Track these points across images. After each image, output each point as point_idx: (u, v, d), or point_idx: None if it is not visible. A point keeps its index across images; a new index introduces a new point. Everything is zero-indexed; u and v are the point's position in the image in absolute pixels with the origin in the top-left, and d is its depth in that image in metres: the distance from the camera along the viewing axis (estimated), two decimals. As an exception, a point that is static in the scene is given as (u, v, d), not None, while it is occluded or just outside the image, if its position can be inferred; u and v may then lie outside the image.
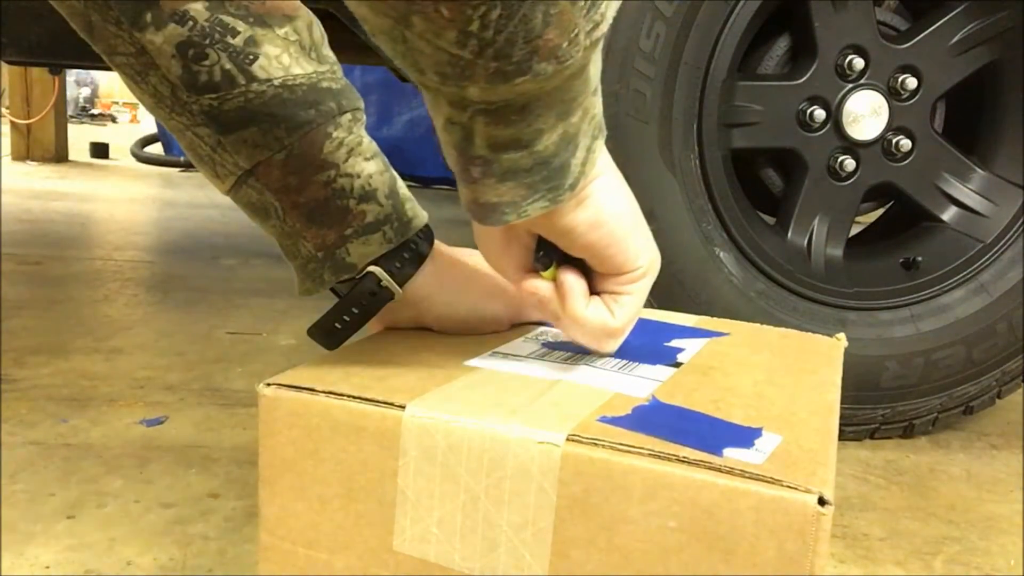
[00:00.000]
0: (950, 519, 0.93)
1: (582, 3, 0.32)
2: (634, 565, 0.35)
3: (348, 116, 0.53)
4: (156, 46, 0.50)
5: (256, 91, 0.50)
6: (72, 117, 6.15)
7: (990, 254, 1.15)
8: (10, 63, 2.00)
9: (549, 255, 0.45)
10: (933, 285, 1.15)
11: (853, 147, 1.11)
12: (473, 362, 0.48)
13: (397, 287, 0.53)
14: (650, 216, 1.01)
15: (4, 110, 4.22)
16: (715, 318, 0.64)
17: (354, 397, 0.40)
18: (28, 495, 0.83)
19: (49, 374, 1.18)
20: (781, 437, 0.38)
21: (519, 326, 0.57)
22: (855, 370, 1.09)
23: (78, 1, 0.50)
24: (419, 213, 0.56)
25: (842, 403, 0.46)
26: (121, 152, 4.83)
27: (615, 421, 0.39)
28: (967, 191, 1.17)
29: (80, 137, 5.11)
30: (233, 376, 1.23)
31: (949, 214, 1.18)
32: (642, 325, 0.59)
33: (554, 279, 0.45)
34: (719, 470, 0.34)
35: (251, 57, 0.50)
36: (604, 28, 0.34)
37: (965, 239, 1.17)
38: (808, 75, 1.08)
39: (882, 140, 1.11)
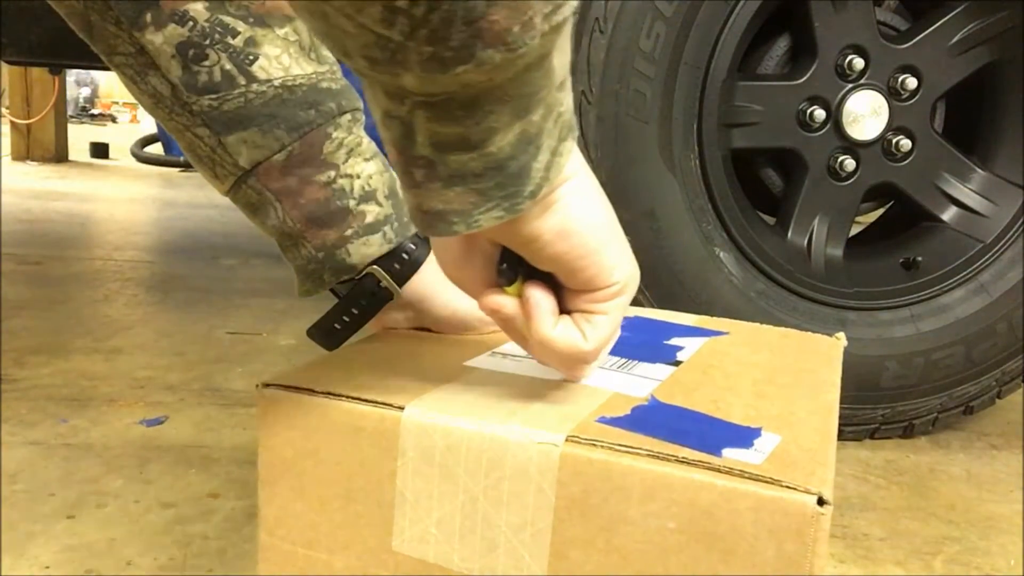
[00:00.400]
0: (950, 519, 0.93)
1: None
2: (633, 566, 0.35)
3: (348, 116, 0.53)
4: (156, 46, 0.50)
5: (256, 91, 0.50)
6: (72, 117, 6.15)
7: (990, 254, 1.15)
8: (10, 63, 2.00)
9: (513, 268, 0.40)
10: (933, 285, 1.15)
11: (853, 147, 1.11)
12: (472, 362, 0.48)
13: (397, 287, 0.54)
14: (650, 216, 1.01)
15: (4, 110, 4.22)
16: (715, 317, 0.64)
17: (353, 398, 0.40)
18: (28, 495, 0.83)
19: (49, 374, 1.18)
20: (780, 437, 0.38)
21: None
22: (855, 370, 1.09)
23: (77, 1, 0.50)
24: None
25: (842, 403, 0.46)
26: (121, 152, 4.83)
27: (614, 422, 0.39)
28: (967, 191, 1.17)
29: (80, 137, 5.12)
30: (233, 376, 1.23)
31: (949, 214, 1.18)
32: (641, 324, 0.59)
33: (520, 295, 0.40)
34: (718, 470, 0.34)
35: (251, 57, 0.50)
36: (567, 12, 0.29)
37: (965, 239, 1.17)
38: (808, 75, 1.08)
39: (882, 140, 1.11)
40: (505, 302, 0.40)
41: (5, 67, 3.94)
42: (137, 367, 1.23)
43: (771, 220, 1.19)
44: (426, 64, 0.28)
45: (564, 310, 0.41)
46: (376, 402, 0.40)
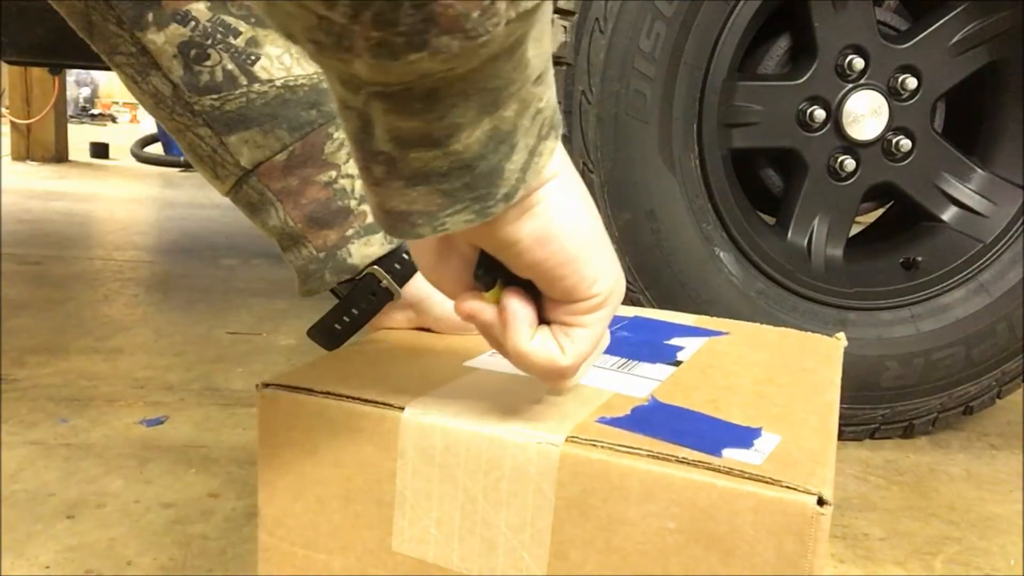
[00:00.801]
0: (950, 519, 0.93)
1: None
2: (632, 566, 0.35)
3: None
4: (157, 46, 0.50)
5: (258, 91, 0.50)
6: (72, 117, 6.15)
7: (990, 254, 1.15)
8: (10, 63, 2.00)
9: (491, 273, 0.38)
10: (933, 285, 1.15)
11: (853, 147, 1.11)
12: (472, 363, 0.48)
13: (397, 288, 0.54)
14: (650, 216, 1.01)
15: (4, 110, 4.22)
16: (714, 317, 0.64)
17: (352, 398, 0.40)
18: (28, 495, 0.83)
19: (49, 374, 1.18)
20: (780, 437, 0.38)
21: None
22: (855, 370, 1.09)
23: (78, 0, 0.50)
24: None
25: (842, 403, 0.46)
26: (121, 152, 4.83)
27: (614, 422, 0.39)
28: (967, 191, 1.17)
29: (80, 137, 5.12)
30: (233, 376, 1.23)
31: (949, 214, 1.18)
32: (641, 324, 0.59)
33: (498, 301, 0.38)
34: (718, 471, 0.34)
35: (253, 58, 0.50)
36: None
37: (965, 239, 1.17)
38: (808, 75, 1.08)
39: (882, 140, 1.11)
40: (482, 308, 0.38)
41: (5, 67, 3.94)
42: (137, 367, 1.23)
43: (771, 220, 1.19)
44: (375, 50, 0.26)
45: (544, 320, 0.39)
46: (375, 402, 0.40)
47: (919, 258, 1.17)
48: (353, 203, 0.53)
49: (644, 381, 0.45)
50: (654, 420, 0.39)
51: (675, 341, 0.54)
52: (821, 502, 0.33)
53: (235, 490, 0.86)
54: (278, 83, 0.50)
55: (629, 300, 1.02)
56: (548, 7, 0.29)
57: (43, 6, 0.54)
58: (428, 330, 0.56)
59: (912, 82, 1.10)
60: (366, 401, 0.40)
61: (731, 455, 0.35)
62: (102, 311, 1.55)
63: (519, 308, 0.37)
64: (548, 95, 0.33)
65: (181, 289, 1.76)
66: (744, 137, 1.10)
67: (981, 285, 1.15)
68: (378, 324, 0.57)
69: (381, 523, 0.40)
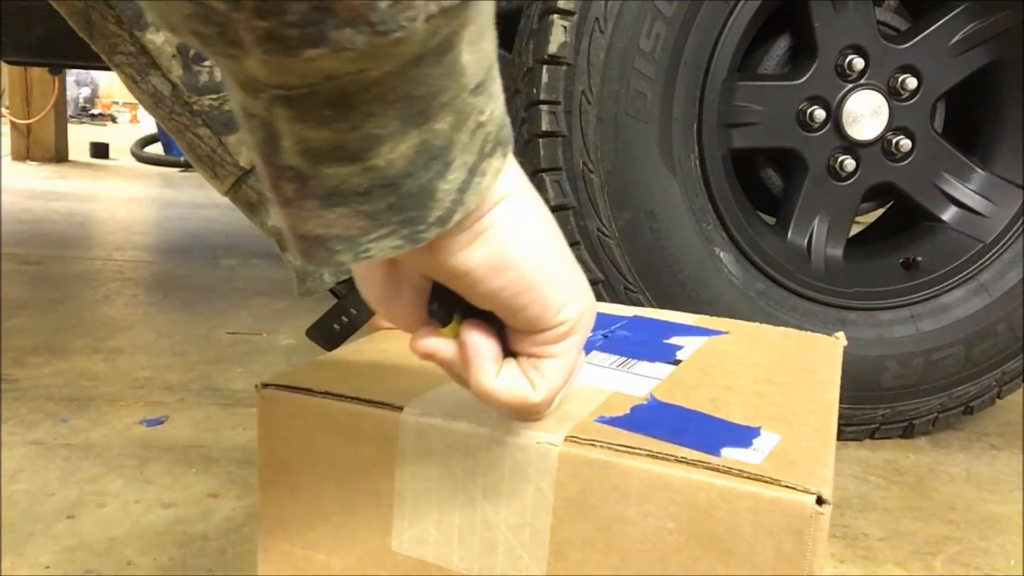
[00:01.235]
0: (950, 519, 0.93)
1: None
2: (632, 566, 0.35)
3: None
4: (157, 46, 0.50)
5: None
6: (72, 117, 6.15)
7: (990, 254, 1.15)
8: (10, 63, 2.00)
9: (447, 306, 0.34)
10: (933, 285, 1.15)
11: (853, 147, 1.11)
12: None
13: None
14: (650, 216, 1.01)
15: (4, 110, 4.22)
16: (714, 317, 0.64)
17: (351, 398, 0.40)
18: (28, 495, 0.83)
19: (49, 374, 1.18)
20: (779, 436, 0.38)
21: None
22: (855, 370, 1.09)
23: (78, 0, 0.50)
24: None
25: (842, 403, 0.46)
26: (121, 152, 4.84)
27: (613, 421, 0.39)
28: (967, 191, 1.17)
29: (80, 137, 5.12)
30: (233, 376, 1.23)
31: (949, 214, 1.18)
32: (641, 323, 0.59)
33: (458, 336, 0.35)
34: (717, 470, 0.34)
35: None
36: None
37: (965, 239, 1.17)
38: (808, 75, 1.08)
39: (882, 140, 1.11)
40: (440, 346, 0.35)
41: (5, 67, 3.94)
42: (137, 367, 1.23)
43: (771, 220, 1.19)
44: (265, 44, 0.23)
45: (510, 352, 0.36)
46: (374, 402, 0.40)
47: (919, 258, 1.17)
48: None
49: (643, 380, 0.45)
50: (653, 419, 0.39)
51: (675, 340, 0.54)
52: (820, 501, 0.33)
53: (235, 490, 0.86)
54: None
55: (629, 300, 1.02)
56: (484, 7, 0.26)
57: (43, 6, 0.54)
58: None
59: (912, 82, 1.10)
60: (365, 401, 0.40)
61: (730, 454, 0.36)
62: (102, 311, 1.55)
63: (480, 343, 0.34)
64: (492, 107, 0.29)
65: (181, 289, 1.76)
66: (744, 137, 1.10)
67: (981, 285, 1.15)
68: (378, 324, 0.57)
69: (380, 523, 0.40)
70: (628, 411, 0.40)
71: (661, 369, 0.48)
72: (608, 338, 0.54)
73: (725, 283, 1.06)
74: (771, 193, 1.20)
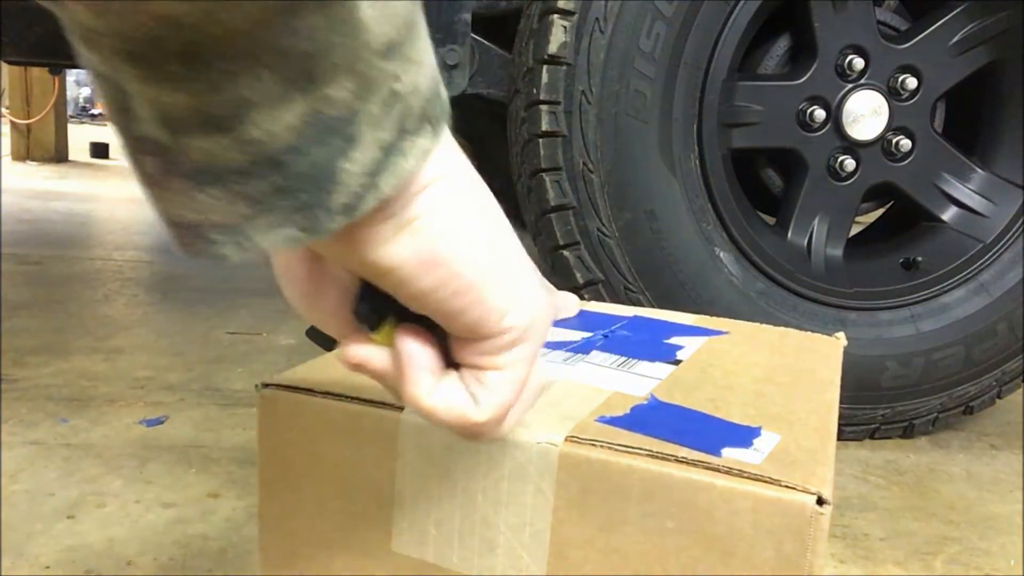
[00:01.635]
0: (950, 519, 0.93)
1: None
2: (632, 566, 0.35)
3: None
4: None
5: None
6: (72, 117, 6.15)
7: (990, 254, 1.15)
8: (10, 63, 2.00)
9: (378, 308, 0.30)
10: (933, 285, 1.15)
11: (853, 147, 1.11)
12: None
13: None
14: (650, 216, 1.01)
15: (4, 110, 4.22)
16: (714, 317, 0.64)
17: (351, 398, 0.40)
18: (28, 495, 0.83)
19: (49, 374, 1.18)
20: (780, 436, 0.38)
21: None
22: (855, 370, 1.09)
23: None
24: None
25: (842, 403, 0.46)
26: (121, 152, 4.82)
27: (613, 421, 0.39)
28: (967, 191, 1.17)
29: (80, 137, 5.12)
30: (233, 376, 1.23)
31: (949, 214, 1.18)
32: (641, 323, 0.59)
33: (391, 343, 0.30)
34: (717, 470, 0.34)
35: None
36: None
37: (965, 239, 1.17)
38: (808, 75, 1.08)
39: (882, 140, 1.11)
40: (371, 355, 0.31)
41: (5, 67, 3.94)
42: (137, 367, 1.23)
43: (771, 220, 1.19)
44: None
45: (453, 363, 0.31)
46: (375, 402, 0.40)
47: (919, 258, 1.17)
48: None
49: (644, 380, 0.45)
50: (653, 419, 0.39)
51: (675, 340, 0.54)
52: (820, 501, 0.33)
53: (235, 490, 0.86)
54: None
55: (629, 300, 1.02)
56: None
57: (43, 6, 0.53)
58: None
59: (912, 82, 1.10)
60: (366, 401, 0.40)
61: (730, 454, 0.36)
62: (102, 311, 1.55)
63: (414, 351, 0.30)
64: (414, 76, 0.24)
65: (181, 289, 1.76)
66: (744, 137, 1.10)
67: (981, 285, 1.15)
68: None
69: (381, 523, 0.40)
70: (628, 411, 0.40)
71: (661, 369, 0.48)
72: (608, 338, 0.54)
73: (725, 283, 1.06)
74: (771, 193, 1.19)
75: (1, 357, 1.23)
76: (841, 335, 0.59)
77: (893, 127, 1.11)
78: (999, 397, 1.17)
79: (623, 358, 0.49)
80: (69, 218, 2.63)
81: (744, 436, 0.38)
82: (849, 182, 1.12)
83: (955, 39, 1.10)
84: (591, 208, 1.00)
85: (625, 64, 0.98)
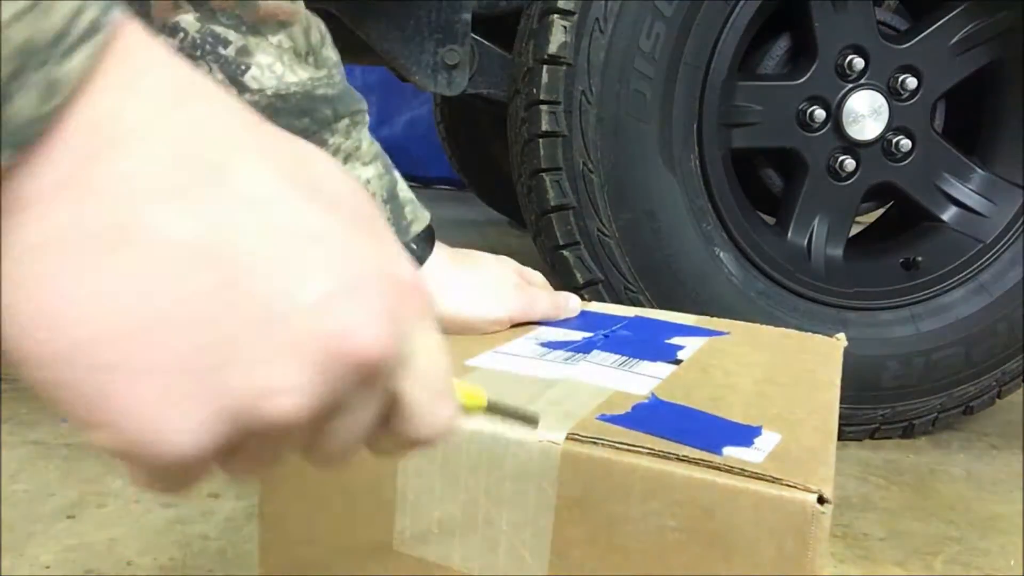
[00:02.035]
0: (950, 519, 0.92)
1: None
2: (633, 564, 0.35)
3: (345, 121, 0.53)
4: None
5: (248, 101, 0.50)
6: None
7: (990, 254, 1.15)
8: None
9: None
10: (933, 285, 1.15)
11: (853, 147, 1.11)
12: (473, 361, 0.48)
13: None
14: (650, 216, 1.01)
15: (4, 110, 4.22)
16: (715, 317, 0.64)
17: None
18: (28, 495, 0.83)
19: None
20: (780, 436, 0.38)
21: (519, 326, 0.57)
22: (855, 370, 1.09)
23: None
24: (420, 215, 0.56)
25: (842, 403, 0.46)
26: None
27: (615, 419, 0.39)
28: (967, 191, 1.17)
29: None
30: (233, 376, 1.23)
31: (949, 214, 1.18)
32: (642, 323, 0.59)
33: None
34: (719, 469, 0.34)
35: (243, 67, 0.50)
36: None
37: (965, 239, 1.17)
38: (808, 75, 1.08)
39: (882, 140, 1.11)
40: None
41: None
42: (137, 367, 1.23)
43: (771, 220, 1.19)
44: None
45: None
46: None
47: (919, 258, 1.17)
48: None
49: (645, 379, 0.45)
50: (655, 418, 0.39)
51: (675, 340, 0.54)
52: (821, 500, 0.33)
53: (235, 490, 0.86)
54: (269, 92, 0.50)
55: (629, 300, 1.02)
56: None
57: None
58: None
59: (912, 82, 1.10)
60: None
61: (732, 453, 0.36)
62: (102, 311, 1.54)
63: None
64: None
65: (181, 289, 1.76)
66: (744, 137, 1.10)
67: (981, 285, 1.15)
68: None
69: (382, 523, 0.40)
70: (630, 409, 0.40)
71: (662, 369, 0.48)
72: (609, 338, 0.54)
73: (725, 283, 1.06)
74: (771, 193, 1.20)
75: (1, 357, 1.23)
76: (841, 336, 0.59)
77: (893, 127, 1.11)
78: (999, 397, 1.17)
79: (624, 357, 0.49)
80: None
81: (745, 435, 0.38)
82: (849, 182, 1.12)
83: (955, 39, 1.10)
84: (591, 208, 1.00)
85: (625, 64, 0.98)
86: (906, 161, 1.13)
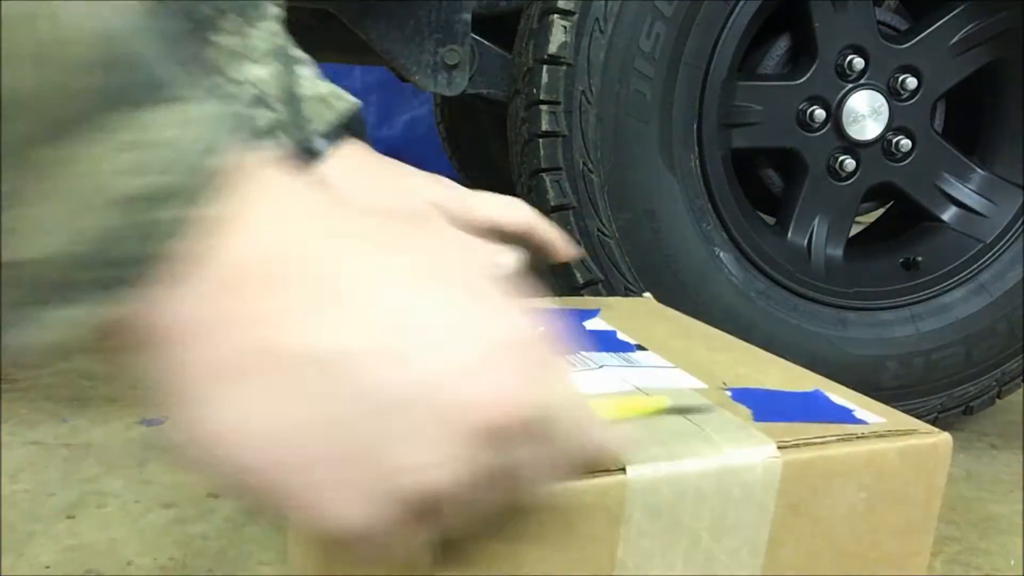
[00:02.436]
0: (950, 519, 0.92)
1: None
2: (834, 544, 0.37)
3: (234, 18, 0.49)
4: None
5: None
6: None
7: (990, 254, 1.15)
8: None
9: None
10: (933, 285, 1.15)
11: (853, 147, 1.11)
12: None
13: None
14: (650, 216, 1.01)
15: (4, 110, 4.22)
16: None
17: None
18: (28, 495, 0.83)
19: (49, 374, 1.18)
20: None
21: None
22: (855, 370, 1.09)
23: None
24: (327, 111, 0.52)
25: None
26: None
27: (761, 418, 0.39)
28: (967, 191, 1.17)
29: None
30: (233, 376, 1.22)
31: (949, 214, 1.18)
32: (556, 315, 0.55)
33: None
34: (883, 436, 0.38)
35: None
36: None
37: (965, 239, 1.17)
38: (808, 75, 1.08)
39: (882, 140, 1.11)
40: None
41: (5, 67, 3.93)
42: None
43: (771, 220, 1.19)
44: None
45: None
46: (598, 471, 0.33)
47: (919, 258, 1.17)
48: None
49: (659, 372, 0.44)
50: (765, 407, 0.40)
51: (594, 326, 0.53)
52: None
53: (235, 490, 0.86)
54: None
55: (629, 300, 1.02)
56: None
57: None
58: None
59: (912, 82, 1.10)
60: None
61: (865, 419, 0.40)
62: (102, 311, 1.54)
63: None
64: (20, 250, 0.18)
65: (181, 289, 1.76)
66: (744, 137, 1.10)
67: (981, 285, 1.15)
68: None
69: None
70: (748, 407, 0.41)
71: (648, 357, 0.47)
72: (580, 337, 0.50)
73: (725, 283, 1.06)
74: (771, 193, 1.19)
75: (1, 357, 1.23)
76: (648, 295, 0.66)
77: (893, 127, 1.11)
78: (999, 397, 1.17)
79: (614, 354, 0.47)
80: (69, 218, 2.62)
81: (833, 404, 0.43)
82: (849, 182, 1.12)
83: (955, 39, 1.10)
84: (591, 208, 1.00)
85: (625, 64, 0.98)
86: (906, 161, 1.13)
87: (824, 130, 1.10)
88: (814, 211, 1.14)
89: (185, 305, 0.20)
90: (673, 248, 1.03)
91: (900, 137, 1.11)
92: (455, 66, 1.14)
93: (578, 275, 1.02)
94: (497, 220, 0.53)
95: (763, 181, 1.20)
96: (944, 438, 0.40)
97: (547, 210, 1.01)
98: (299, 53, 0.54)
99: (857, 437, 0.38)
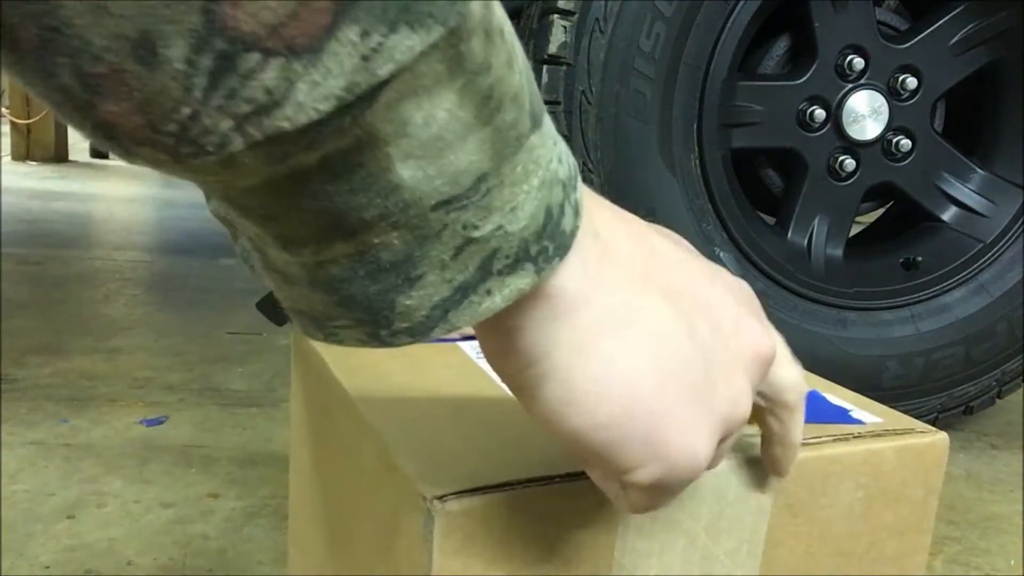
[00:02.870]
0: (950, 519, 0.92)
1: (182, 67, 0.17)
2: (830, 542, 0.38)
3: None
4: None
5: None
6: (72, 117, 6.14)
7: (990, 254, 1.16)
8: (10, 63, 2.00)
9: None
10: (933, 285, 1.15)
11: (853, 147, 1.11)
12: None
13: None
14: (650, 216, 1.01)
15: (4, 110, 4.22)
16: None
17: (547, 478, 0.32)
18: (28, 495, 0.83)
19: (49, 374, 1.18)
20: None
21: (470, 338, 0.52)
22: (855, 370, 1.09)
23: None
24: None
25: (842, 403, 0.48)
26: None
27: None
28: (967, 191, 1.17)
29: (80, 137, 5.11)
30: (233, 376, 1.23)
31: (949, 214, 1.18)
32: None
33: None
34: (880, 436, 0.38)
35: None
36: (290, 112, 0.18)
37: (965, 239, 1.17)
38: (808, 75, 1.08)
39: (882, 140, 1.11)
40: None
41: (5, 67, 3.93)
42: (137, 367, 1.23)
43: (771, 220, 1.19)
44: (120, 155, 0.20)
45: None
46: (560, 477, 0.32)
47: (919, 258, 1.17)
48: None
49: None
50: None
51: None
52: None
53: (235, 490, 0.87)
54: None
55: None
56: (422, 116, 0.20)
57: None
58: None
59: (912, 82, 1.10)
60: (564, 478, 0.32)
61: (862, 419, 0.39)
62: (102, 311, 1.55)
63: None
64: (500, 222, 0.22)
65: (181, 289, 1.76)
66: (744, 137, 1.10)
67: (981, 285, 1.15)
68: None
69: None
70: None
71: None
72: None
73: (725, 283, 1.06)
74: (771, 193, 1.20)
75: (1, 357, 1.23)
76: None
77: (893, 127, 1.11)
78: (999, 397, 1.17)
79: None
80: (69, 218, 2.63)
81: (832, 406, 0.42)
82: (849, 182, 1.12)
83: (955, 39, 1.10)
84: (591, 208, 1.00)
85: (625, 64, 0.98)
86: (906, 161, 1.13)
87: (824, 130, 1.10)
88: (814, 211, 1.14)
89: (578, 272, 0.24)
90: (673, 248, 1.03)
91: (900, 137, 1.11)
92: (455, 66, 1.14)
93: (578, 275, 1.02)
94: None
95: (763, 181, 1.20)
96: (941, 437, 0.40)
97: (547, 210, 1.02)
98: None
99: (854, 437, 0.38)
